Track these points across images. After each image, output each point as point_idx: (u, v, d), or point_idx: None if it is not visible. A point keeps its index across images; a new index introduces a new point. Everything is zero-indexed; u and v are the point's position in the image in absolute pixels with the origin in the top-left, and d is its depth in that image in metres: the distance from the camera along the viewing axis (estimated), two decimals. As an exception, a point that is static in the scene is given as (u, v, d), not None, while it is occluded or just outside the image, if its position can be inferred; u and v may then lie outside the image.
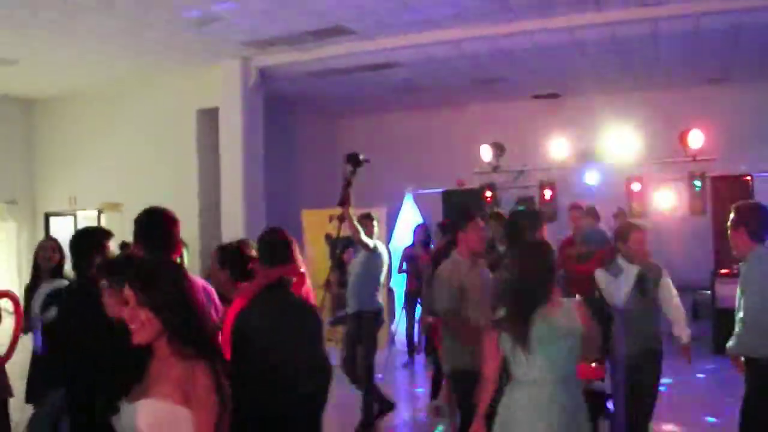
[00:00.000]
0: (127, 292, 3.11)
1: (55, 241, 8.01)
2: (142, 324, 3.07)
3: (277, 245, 4.75)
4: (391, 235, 14.04)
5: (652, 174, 12.17)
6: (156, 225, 4.97)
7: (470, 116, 18.77)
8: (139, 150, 17.00)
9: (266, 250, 4.79)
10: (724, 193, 11.73)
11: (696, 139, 11.57)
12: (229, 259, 5.19)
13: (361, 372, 8.79)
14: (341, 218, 8.46)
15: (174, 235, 5.00)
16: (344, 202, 8.39)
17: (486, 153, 12.74)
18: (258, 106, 15.72)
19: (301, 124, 19.69)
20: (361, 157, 8.48)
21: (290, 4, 11.96)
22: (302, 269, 4.78)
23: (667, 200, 12.27)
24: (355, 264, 9.26)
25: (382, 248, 9.18)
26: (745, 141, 14.61)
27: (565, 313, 4.36)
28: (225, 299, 5.14)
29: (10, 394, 6.83)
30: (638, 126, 13.12)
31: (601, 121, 14.81)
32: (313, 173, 19.79)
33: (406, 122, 19.77)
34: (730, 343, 5.82)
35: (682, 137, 11.79)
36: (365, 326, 8.87)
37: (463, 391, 6.18)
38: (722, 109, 15.10)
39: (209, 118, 16.10)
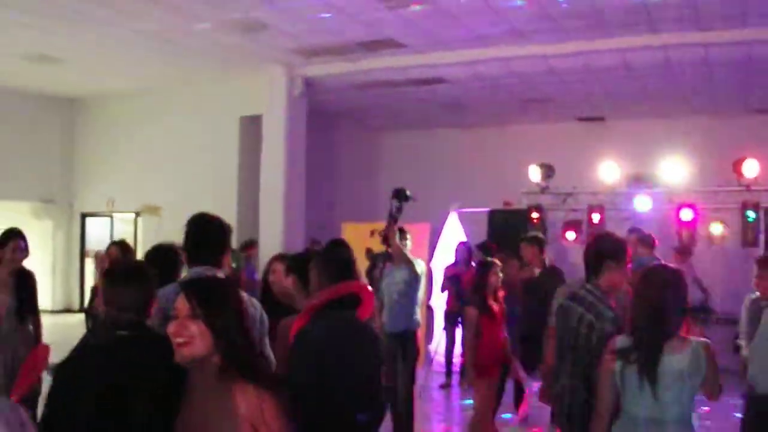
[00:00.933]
0: (181, 304, 2.93)
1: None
2: (191, 337, 2.86)
3: (345, 260, 4.50)
4: (433, 253, 13.84)
5: (704, 202, 11.89)
6: (211, 233, 4.78)
7: (517, 136, 18.62)
8: (179, 154, 16.96)
9: (332, 264, 4.50)
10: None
11: (750, 168, 11.31)
12: (298, 268, 4.89)
13: (402, 391, 8.58)
14: (385, 239, 8.31)
15: (227, 245, 4.82)
16: (387, 238, 8.26)
17: (534, 173, 12.53)
18: (302, 116, 15.61)
19: (342, 136, 19.60)
20: (408, 193, 8.35)
21: (342, 13, 11.83)
22: (369, 287, 4.54)
23: (718, 229, 11.97)
24: (398, 282, 9.05)
25: (421, 266, 8.99)
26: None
27: (693, 351, 4.01)
28: (279, 307, 5.01)
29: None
30: (690, 152, 12.89)
31: (653, 145, 14.60)
32: (352, 186, 19.68)
33: (451, 140, 19.64)
34: None
35: (736, 166, 11.53)
36: (409, 346, 8.66)
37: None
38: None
39: (252, 125, 16.03)
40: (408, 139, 20.31)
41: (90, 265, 18.97)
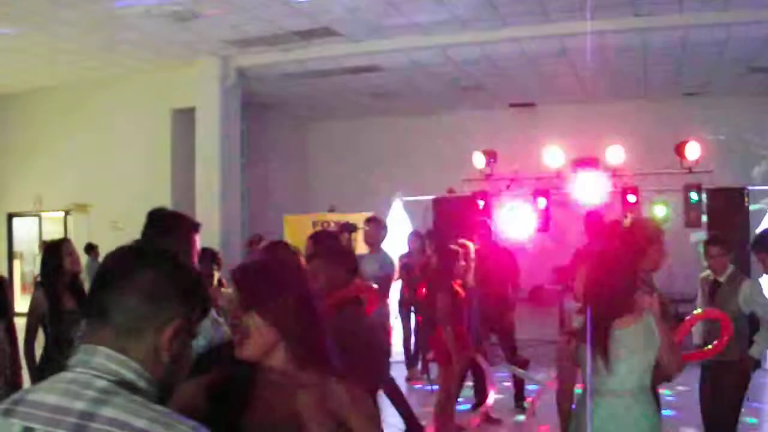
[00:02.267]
0: (233, 295, 2.60)
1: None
2: (247, 332, 2.48)
3: (346, 256, 4.30)
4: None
5: (648, 185, 12.01)
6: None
7: (452, 124, 18.61)
8: (109, 149, 16.43)
9: (342, 266, 4.25)
10: (719, 205, 11.61)
11: (693, 150, 11.44)
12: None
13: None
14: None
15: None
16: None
17: (479, 160, 12.49)
18: (236, 107, 15.34)
19: (275, 126, 19.30)
20: (358, 225, 8.43)
21: (279, 1, 11.58)
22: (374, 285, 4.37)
23: (662, 211, 12.10)
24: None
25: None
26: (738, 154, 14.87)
27: (644, 324, 4.15)
28: None
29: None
30: (629, 136, 13.01)
31: (589, 130, 14.74)
32: (285, 177, 19.42)
33: (385, 129, 19.57)
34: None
35: (679, 148, 11.66)
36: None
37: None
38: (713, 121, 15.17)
39: (184, 118, 15.65)
40: (341, 128, 20.18)
41: (19, 267, 18.38)
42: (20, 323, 6.28)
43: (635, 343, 4.13)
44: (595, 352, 4.10)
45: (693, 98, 16.66)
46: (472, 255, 7.93)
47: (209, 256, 7.64)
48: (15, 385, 5.96)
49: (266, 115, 18.45)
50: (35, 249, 18.38)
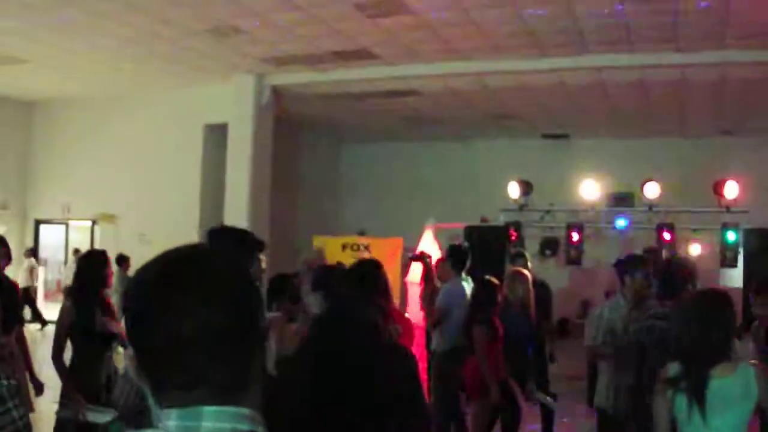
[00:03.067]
0: None
1: None
2: None
3: (378, 276, 4.20)
4: (407, 269, 13.59)
5: (683, 223, 11.86)
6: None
7: (486, 151, 18.54)
8: (139, 161, 16.46)
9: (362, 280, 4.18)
10: (756, 245, 11.45)
11: (731, 190, 11.29)
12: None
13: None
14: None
15: None
16: None
17: (513, 190, 12.38)
18: (269, 125, 15.27)
19: (307, 146, 19.30)
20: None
21: (319, 22, 11.56)
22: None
23: (696, 250, 11.97)
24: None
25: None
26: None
27: (742, 374, 3.93)
28: None
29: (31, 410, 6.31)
30: (669, 173, 12.90)
31: (624, 165, 14.64)
32: (314, 197, 19.37)
33: (420, 154, 19.45)
34: None
35: (717, 187, 11.51)
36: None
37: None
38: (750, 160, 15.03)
39: (217, 134, 15.64)
40: (374, 152, 20.10)
41: (43, 274, 18.40)
42: (48, 330, 6.25)
43: (732, 394, 3.92)
44: (691, 403, 3.91)
45: (729, 137, 16.52)
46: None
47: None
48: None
49: (298, 134, 18.45)
50: (61, 256, 18.44)
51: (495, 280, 7.33)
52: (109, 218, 16.84)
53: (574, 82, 13.89)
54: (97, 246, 17.32)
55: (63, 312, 5.94)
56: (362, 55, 13.18)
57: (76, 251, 17.23)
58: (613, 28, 11.33)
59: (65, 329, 5.85)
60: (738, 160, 14.60)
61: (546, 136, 18.39)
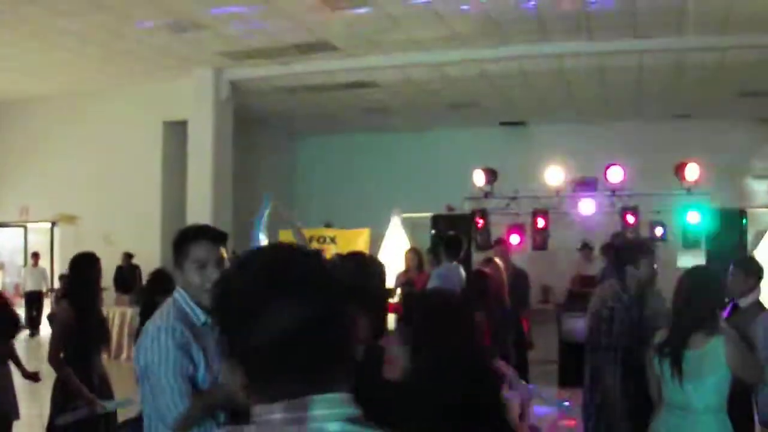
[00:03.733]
0: None
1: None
2: None
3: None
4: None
5: (647, 205, 12.03)
6: None
7: (443, 141, 18.58)
8: (98, 160, 16.22)
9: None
10: (717, 226, 11.68)
11: (692, 171, 11.47)
12: None
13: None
14: None
15: None
16: None
17: (479, 178, 12.44)
18: (229, 120, 15.18)
19: (264, 140, 19.19)
20: None
21: (282, 15, 11.51)
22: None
23: (660, 232, 12.15)
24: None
25: None
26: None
27: (711, 347, 4.27)
28: None
29: (16, 416, 6.27)
30: (632, 158, 13.05)
31: (583, 150, 14.79)
32: (273, 191, 19.23)
33: (380, 144, 19.43)
34: None
35: (678, 169, 11.68)
36: None
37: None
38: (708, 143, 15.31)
39: (176, 131, 15.51)
40: (333, 144, 20.02)
41: (2, 278, 18.12)
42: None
43: (704, 364, 4.25)
44: (672, 369, 4.32)
45: (685, 120, 16.79)
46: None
47: None
48: None
49: (256, 128, 18.32)
50: (20, 260, 18.15)
51: (486, 270, 7.41)
52: (69, 219, 16.60)
53: (534, 69, 13.99)
54: (57, 248, 17.14)
55: (62, 313, 6.01)
56: (323, 47, 13.15)
57: (35, 255, 17.01)
58: (571, 17, 11.47)
59: (67, 330, 5.84)
60: (697, 143, 14.84)
61: (504, 124, 18.50)
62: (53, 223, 17.30)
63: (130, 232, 15.45)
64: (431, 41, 12.79)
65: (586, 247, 13.82)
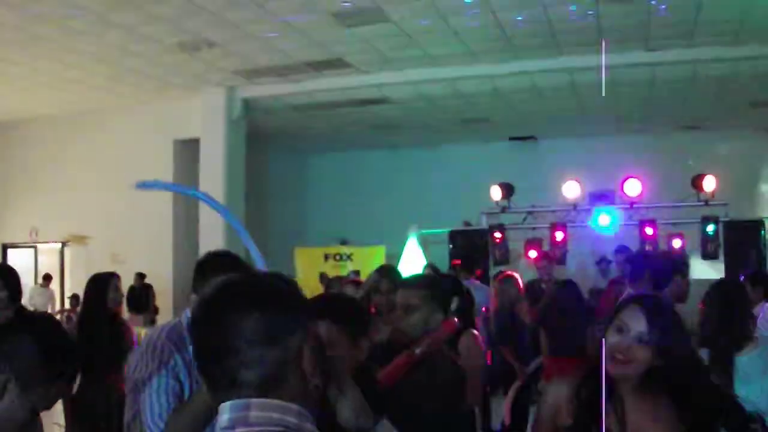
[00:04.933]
0: None
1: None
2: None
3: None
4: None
5: (664, 218, 12.03)
6: None
7: (457, 156, 18.56)
8: (108, 180, 16.11)
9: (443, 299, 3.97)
10: (735, 237, 11.71)
11: (709, 183, 11.49)
12: None
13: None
14: None
15: None
16: None
17: (495, 193, 12.44)
18: (241, 138, 15.16)
19: (276, 157, 19.18)
20: None
21: (295, 32, 11.51)
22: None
23: (677, 244, 12.14)
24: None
25: None
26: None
27: (762, 348, 4.32)
28: None
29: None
30: (645, 170, 13.04)
31: (606, 163, 14.78)
32: (284, 209, 19.25)
33: (391, 160, 19.45)
34: None
35: (696, 181, 11.70)
36: None
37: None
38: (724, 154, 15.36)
39: (188, 149, 15.47)
40: (344, 160, 20.01)
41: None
42: None
43: (756, 368, 4.23)
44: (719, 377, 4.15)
45: (697, 131, 16.79)
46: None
47: None
48: None
49: (268, 146, 18.31)
50: (30, 281, 18.05)
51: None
52: (80, 240, 16.55)
53: (546, 84, 13.99)
54: (68, 268, 17.08)
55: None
56: (336, 65, 13.16)
57: (47, 276, 16.88)
58: (584, 30, 11.46)
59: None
60: (708, 154, 14.84)
61: (513, 139, 18.50)
62: (63, 244, 17.23)
63: (142, 252, 15.37)
64: (444, 57, 12.80)
65: (603, 261, 13.77)
